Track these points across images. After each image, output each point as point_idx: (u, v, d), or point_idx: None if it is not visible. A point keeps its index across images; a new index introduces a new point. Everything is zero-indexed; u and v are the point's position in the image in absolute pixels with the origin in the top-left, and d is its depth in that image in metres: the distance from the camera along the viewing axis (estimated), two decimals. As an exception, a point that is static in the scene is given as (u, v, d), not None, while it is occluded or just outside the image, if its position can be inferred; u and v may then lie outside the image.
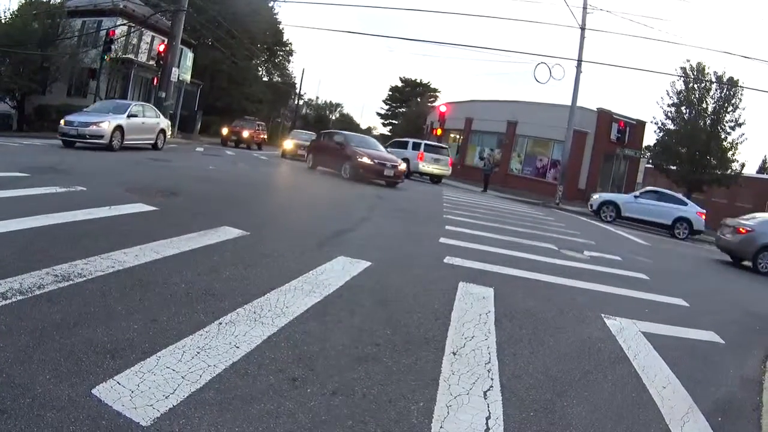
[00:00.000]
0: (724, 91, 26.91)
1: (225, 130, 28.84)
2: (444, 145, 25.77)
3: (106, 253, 4.09)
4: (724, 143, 27.14)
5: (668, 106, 28.67)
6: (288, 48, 53.05)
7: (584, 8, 22.79)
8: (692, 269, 10.34)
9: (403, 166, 16.45)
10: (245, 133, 28.67)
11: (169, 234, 5.03)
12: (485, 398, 2.72)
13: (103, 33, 24.07)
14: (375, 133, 69.45)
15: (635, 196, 19.55)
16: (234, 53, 36.60)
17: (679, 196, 20.23)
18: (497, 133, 32.10)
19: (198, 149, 21.56)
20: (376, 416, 2.37)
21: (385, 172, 15.61)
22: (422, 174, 23.30)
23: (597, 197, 20.16)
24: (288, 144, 24.86)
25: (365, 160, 15.42)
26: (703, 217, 18.79)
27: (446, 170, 23.53)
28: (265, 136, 32.91)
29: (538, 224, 12.90)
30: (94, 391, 2.19)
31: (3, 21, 23.75)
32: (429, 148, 23.24)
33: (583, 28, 22.85)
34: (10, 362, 2.31)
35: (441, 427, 2.37)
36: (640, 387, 3.30)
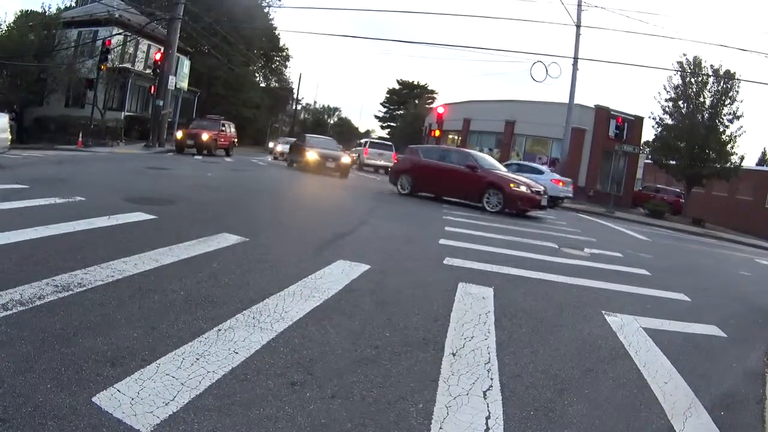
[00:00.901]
0: (721, 84, 26.92)
1: (179, 134, 22.62)
2: (389, 143, 30.10)
3: (105, 263, 4.10)
4: (723, 136, 27.14)
5: (666, 101, 28.74)
6: (284, 53, 53.34)
7: (579, 5, 22.85)
8: (694, 264, 10.33)
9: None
10: (204, 136, 22.22)
11: (169, 242, 5.04)
12: (485, 398, 2.72)
13: (99, 43, 24.14)
14: (374, 135, 69.51)
15: None
16: (230, 60, 36.72)
17: (537, 166, 21.89)
18: (495, 133, 32.10)
19: (196, 156, 21.58)
20: (375, 418, 2.37)
21: (542, 202, 13.15)
22: (369, 166, 29.05)
23: None
24: (311, 155, 19.07)
25: (523, 189, 12.81)
26: (561, 184, 19.80)
27: (390, 162, 27.56)
28: (235, 139, 26.83)
29: (539, 223, 12.89)
30: (94, 399, 2.20)
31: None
32: (374, 145, 30.08)
33: (578, 26, 22.90)
34: (11, 372, 2.32)
35: (440, 428, 2.37)
36: (642, 383, 3.29)
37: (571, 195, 21.03)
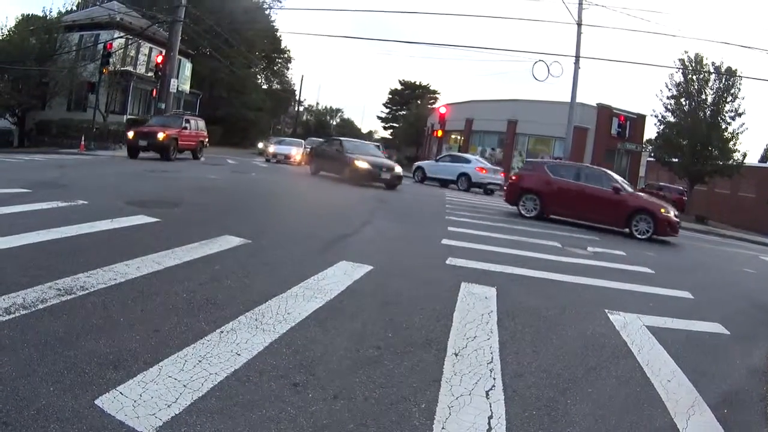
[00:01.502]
0: (723, 81, 26.83)
1: (130, 133, 18.27)
2: (377, 144, 31.17)
3: (108, 266, 4.11)
4: (725, 134, 27.06)
5: (668, 98, 28.65)
6: (286, 55, 53.43)
7: (580, 4, 22.79)
8: (697, 262, 10.29)
9: None
10: (159, 135, 17.58)
11: (171, 244, 5.05)
12: (487, 398, 2.71)
13: (100, 46, 24.21)
14: (376, 136, 69.51)
15: (436, 160, 24.39)
16: (232, 62, 36.76)
17: (467, 155, 24.73)
18: (498, 133, 32.11)
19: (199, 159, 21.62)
20: (377, 419, 2.37)
21: (679, 225, 12.48)
22: None
23: (414, 165, 25.25)
24: (362, 164, 15.91)
25: (672, 214, 11.96)
26: (483, 171, 22.11)
27: None
28: (205, 139, 21.98)
29: (541, 222, 12.86)
30: (97, 401, 2.21)
31: (1, 38, 23.93)
32: None
33: (579, 24, 22.84)
34: (14, 376, 2.33)
35: (443, 428, 2.37)
36: (645, 381, 3.28)
37: (500, 183, 22.30)
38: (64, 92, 25.66)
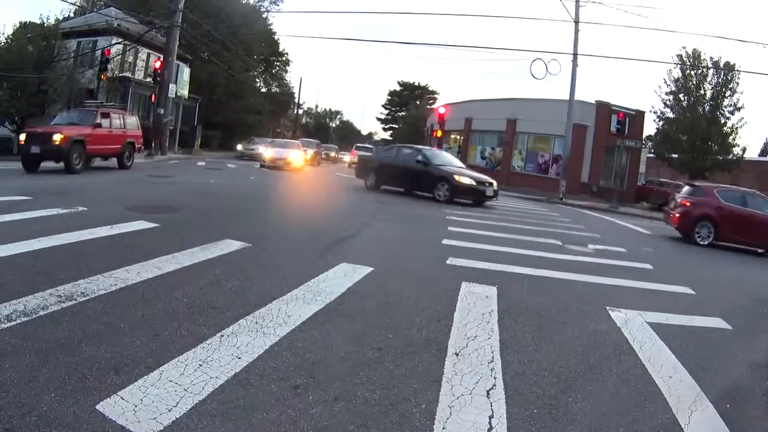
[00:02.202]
0: (721, 76, 26.80)
1: (22, 136, 13.16)
2: (370, 146, 33.64)
3: (108, 272, 4.12)
4: (724, 128, 27.03)
5: (666, 94, 28.60)
6: (284, 58, 53.25)
7: (577, 1, 22.79)
8: (698, 258, 10.28)
9: None
10: (56, 137, 12.43)
11: (171, 249, 5.06)
12: (488, 397, 2.71)
13: (98, 52, 24.21)
14: (376, 138, 69.52)
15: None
16: (231, 66, 36.69)
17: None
18: (497, 132, 32.07)
19: (199, 163, 21.64)
20: (377, 420, 2.37)
21: None
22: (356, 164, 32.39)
23: None
24: (466, 180, 14.32)
25: None
26: None
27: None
28: (136, 141, 16.14)
29: (543, 220, 12.88)
30: (98, 407, 2.21)
31: (-2, 45, 23.91)
32: (359, 148, 33.22)
33: (576, 22, 22.85)
34: (16, 382, 2.34)
35: (443, 428, 2.37)
36: (647, 378, 3.28)
37: None
38: (62, 99, 25.60)
